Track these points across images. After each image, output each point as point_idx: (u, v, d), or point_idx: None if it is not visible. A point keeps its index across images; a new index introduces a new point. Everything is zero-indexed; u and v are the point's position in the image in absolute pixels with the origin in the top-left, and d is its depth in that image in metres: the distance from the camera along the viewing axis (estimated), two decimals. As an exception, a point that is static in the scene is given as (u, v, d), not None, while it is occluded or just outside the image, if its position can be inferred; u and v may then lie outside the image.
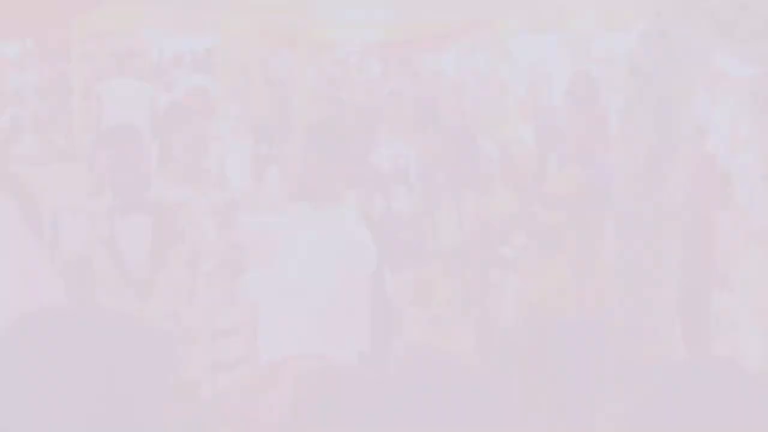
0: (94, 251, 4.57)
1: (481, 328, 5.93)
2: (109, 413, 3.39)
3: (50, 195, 9.19)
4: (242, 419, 3.98)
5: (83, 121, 12.57)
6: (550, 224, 5.87)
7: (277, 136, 11.82)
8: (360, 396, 3.74)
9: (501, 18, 21.86)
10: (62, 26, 9.47)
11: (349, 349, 4.73)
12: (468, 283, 5.84)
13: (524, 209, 6.89)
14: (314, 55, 19.99)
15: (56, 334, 3.48)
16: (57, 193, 9.34)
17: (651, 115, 5.01)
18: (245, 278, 5.29)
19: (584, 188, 5.71)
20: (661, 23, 4.79)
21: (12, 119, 12.16)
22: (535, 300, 5.90)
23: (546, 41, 18.78)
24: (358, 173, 6.29)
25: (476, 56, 23.07)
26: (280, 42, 22.92)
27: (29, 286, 4.92)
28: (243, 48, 20.63)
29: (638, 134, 5.02)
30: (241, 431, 4.03)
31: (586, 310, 5.74)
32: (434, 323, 5.83)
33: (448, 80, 14.13)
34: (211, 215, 5.48)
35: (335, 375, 3.94)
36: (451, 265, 5.83)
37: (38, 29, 8.63)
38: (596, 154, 5.76)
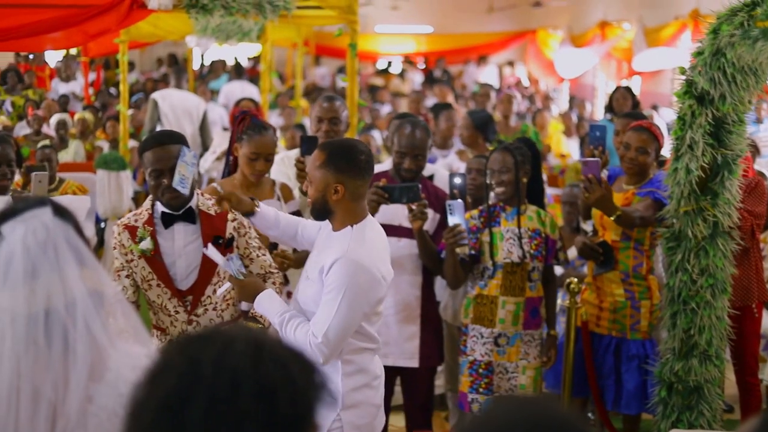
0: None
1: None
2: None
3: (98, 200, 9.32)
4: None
5: (132, 127, 12.72)
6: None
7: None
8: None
9: (543, 31, 21.92)
10: (110, 36, 9.53)
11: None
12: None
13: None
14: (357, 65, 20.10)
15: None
16: (101, 197, 9.45)
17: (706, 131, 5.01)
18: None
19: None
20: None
21: (59, 125, 12.27)
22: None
23: (588, 54, 18.70)
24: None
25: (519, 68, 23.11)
26: (323, 51, 23.18)
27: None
28: (287, 57, 20.83)
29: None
30: None
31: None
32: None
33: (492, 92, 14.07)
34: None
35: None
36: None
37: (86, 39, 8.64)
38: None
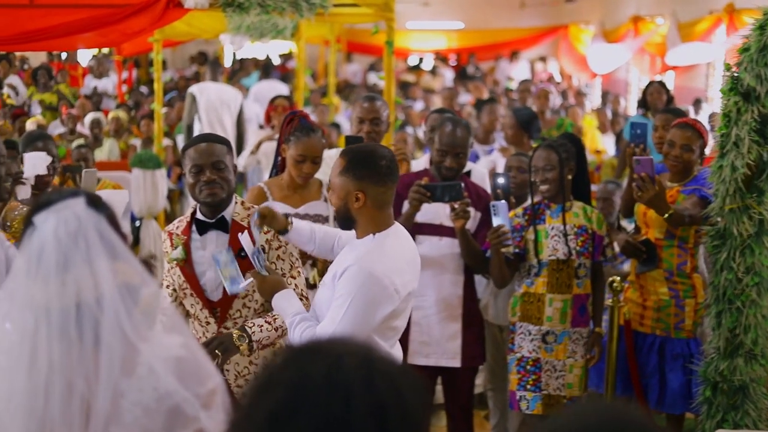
0: None
1: None
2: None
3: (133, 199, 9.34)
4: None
5: (166, 125, 12.75)
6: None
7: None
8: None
9: (575, 26, 21.82)
10: (144, 35, 9.54)
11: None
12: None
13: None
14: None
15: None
16: (136, 196, 9.47)
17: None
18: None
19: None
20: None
21: (93, 124, 12.29)
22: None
23: (621, 49, 18.57)
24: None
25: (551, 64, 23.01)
26: (354, 48, 23.17)
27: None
28: (318, 54, 20.83)
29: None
30: None
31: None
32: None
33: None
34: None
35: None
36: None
37: (122, 39, 8.65)
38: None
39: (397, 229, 4.09)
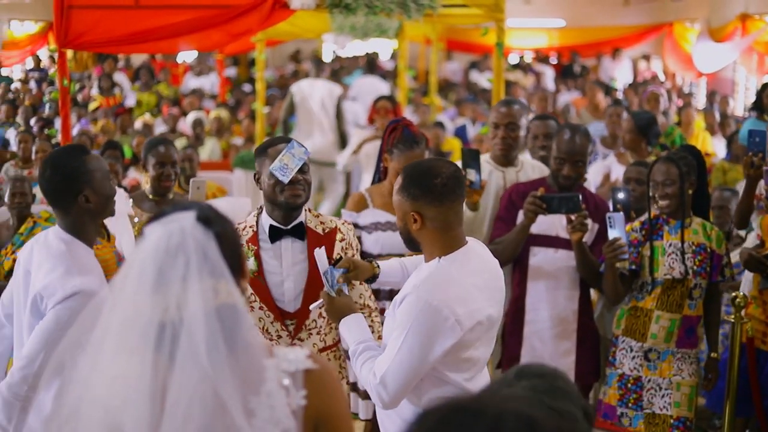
0: None
1: None
2: None
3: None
4: None
5: (268, 125, 12.78)
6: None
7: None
8: None
9: (680, 24, 21.38)
10: (248, 36, 9.52)
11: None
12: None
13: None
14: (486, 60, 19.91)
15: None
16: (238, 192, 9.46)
17: None
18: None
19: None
20: None
21: (195, 124, 12.36)
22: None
23: (728, 48, 18.11)
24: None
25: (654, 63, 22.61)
26: (454, 46, 23.01)
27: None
28: (419, 52, 20.73)
29: None
30: None
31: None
32: None
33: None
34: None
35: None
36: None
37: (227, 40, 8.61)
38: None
39: (468, 250, 3.74)
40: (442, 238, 3.66)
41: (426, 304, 3.53)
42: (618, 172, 7.67)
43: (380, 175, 5.45)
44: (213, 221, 2.35)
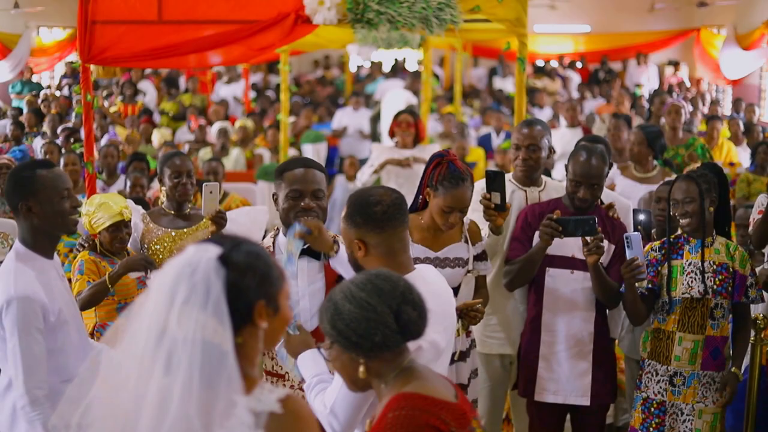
0: None
1: None
2: None
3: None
4: None
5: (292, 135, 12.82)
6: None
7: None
8: None
9: (706, 30, 21.29)
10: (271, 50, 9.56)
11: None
12: None
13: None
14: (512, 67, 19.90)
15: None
16: (261, 204, 9.47)
17: None
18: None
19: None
20: None
21: (220, 133, 12.39)
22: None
23: (755, 55, 18.04)
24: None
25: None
26: (479, 52, 22.99)
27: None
28: (444, 57, 20.73)
29: None
30: None
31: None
32: None
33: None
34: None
35: None
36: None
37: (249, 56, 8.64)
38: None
39: (415, 277, 3.66)
40: (387, 266, 3.55)
41: None
42: (621, 184, 7.66)
43: (418, 204, 5.20)
44: (234, 266, 2.45)
